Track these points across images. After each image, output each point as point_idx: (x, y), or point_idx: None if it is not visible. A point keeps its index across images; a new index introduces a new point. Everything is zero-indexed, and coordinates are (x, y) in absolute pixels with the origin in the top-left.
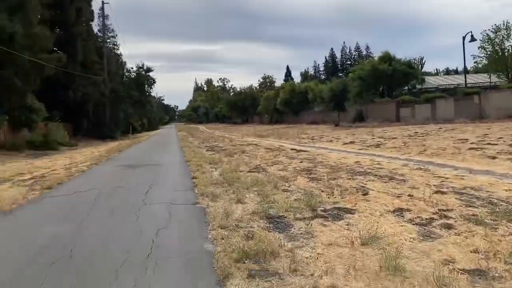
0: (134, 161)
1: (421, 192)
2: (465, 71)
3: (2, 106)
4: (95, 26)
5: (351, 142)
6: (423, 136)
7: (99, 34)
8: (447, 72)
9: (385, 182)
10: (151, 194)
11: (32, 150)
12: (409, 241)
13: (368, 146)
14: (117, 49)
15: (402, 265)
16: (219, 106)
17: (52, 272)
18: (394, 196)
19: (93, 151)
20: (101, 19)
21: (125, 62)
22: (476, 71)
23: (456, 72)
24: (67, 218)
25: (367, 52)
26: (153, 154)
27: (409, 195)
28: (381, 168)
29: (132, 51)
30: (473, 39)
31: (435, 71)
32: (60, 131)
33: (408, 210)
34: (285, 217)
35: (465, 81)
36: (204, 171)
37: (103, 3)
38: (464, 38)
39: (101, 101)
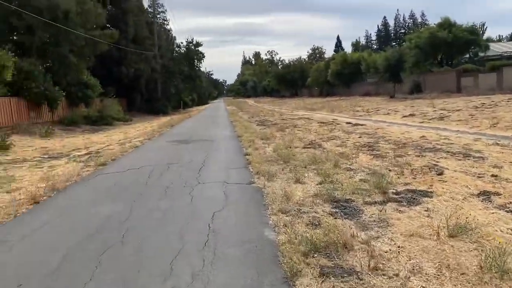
0: (186, 136)
1: (507, 172)
2: None
3: (59, 83)
4: (145, 1)
5: (411, 115)
6: (491, 108)
7: (149, 10)
8: None
9: (460, 160)
10: (204, 171)
11: (88, 125)
12: (509, 233)
13: (430, 119)
14: (167, 24)
15: (510, 266)
16: (267, 80)
17: (102, 261)
18: (474, 176)
19: (146, 126)
20: None
21: (174, 37)
22: None
23: None
24: (119, 197)
25: (423, 19)
26: (204, 128)
27: (492, 175)
28: (451, 143)
29: (181, 26)
30: None
31: (498, 38)
32: (115, 106)
33: (497, 193)
34: (353, 201)
35: None
36: (256, 147)
37: None
38: None
39: (152, 77)
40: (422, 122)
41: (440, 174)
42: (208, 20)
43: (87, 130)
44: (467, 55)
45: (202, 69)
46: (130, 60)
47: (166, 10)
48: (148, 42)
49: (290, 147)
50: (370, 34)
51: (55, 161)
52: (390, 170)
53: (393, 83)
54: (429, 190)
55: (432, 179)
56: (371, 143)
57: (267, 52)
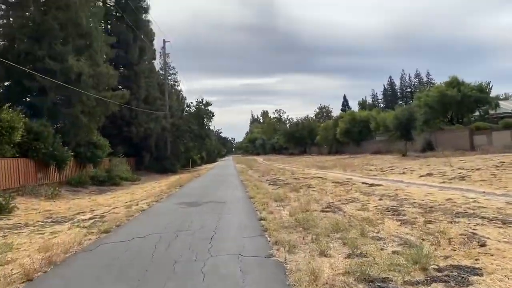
0: (195, 198)
1: None
2: None
3: (69, 143)
4: (157, 64)
5: (429, 174)
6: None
7: (160, 72)
8: None
9: (500, 228)
10: (216, 240)
11: (95, 186)
12: None
13: (450, 179)
14: (178, 85)
15: None
16: (275, 138)
17: None
18: None
19: (154, 186)
20: (162, 57)
21: (185, 97)
22: None
23: None
24: (122, 276)
25: (428, 78)
26: (214, 189)
27: None
28: (482, 207)
29: (191, 86)
30: None
31: (504, 96)
32: (123, 166)
33: None
34: (391, 280)
35: None
36: (271, 210)
37: (164, 41)
38: None
39: (162, 136)
40: (443, 182)
41: (483, 245)
42: (217, 81)
43: (93, 191)
44: (477, 113)
45: (211, 127)
46: (141, 119)
47: (177, 72)
48: (159, 102)
49: (308, 210)
50: (377, 93)
51: (58, 226)
52: (423, 240)
53: (404, 141)
54: (476, 265)
55: (476, 251)
56: (395, 206)
57: (275, 110)
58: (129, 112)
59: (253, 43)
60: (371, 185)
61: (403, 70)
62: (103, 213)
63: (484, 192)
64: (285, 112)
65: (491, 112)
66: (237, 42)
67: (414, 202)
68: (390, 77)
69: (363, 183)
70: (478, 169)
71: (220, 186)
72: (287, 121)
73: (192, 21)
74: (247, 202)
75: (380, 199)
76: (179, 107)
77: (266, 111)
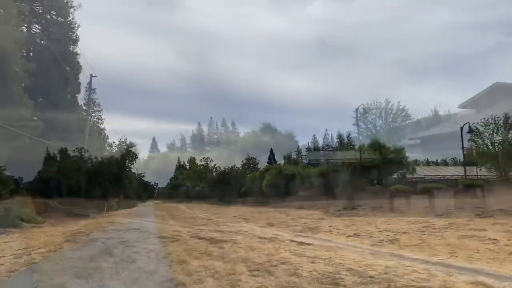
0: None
1: None
2: (464, 163)
3: None
4: (81, 99)
5: (356, 235)
6: (437, 232)
7: (84, 107)
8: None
9: None
10: None
11: None
12: None
13: (379, 242)
14: (101, 123)
15: None
16: (201, 186)
17: None
18: None
19: (55, 233)
20: (87, 93)
21: (107, 136)
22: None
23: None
24: None
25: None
26: (121, 247)
27: None
28: (426, 279)
29: (118, 127)
30: (471, 130)
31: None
32: (26, 206)
33: None
34: None
35: (465, 172)
36: (189, 272)
37: (91, 76)
38: (462, 128)
39: (78, 175)
40: (373, 244)
41: None
42: (146, 124)
43: None
44: (396, 176)
45: (134, 170)
46: (55, 156)
47: (102, 110)
48: (79, 139)
49: (234, 273)
50: (301, 150)
51: None
52: None
53: (328, 198)
54: None
55: None
56: (331, 273)
57: (202, 158)
58: (42, 146)
59: (185, 91)
60: (300, 243)
61: (326, 130)
62: None
63: (418, 259)
64: (213, 161)
65: (408, 176)
66: (168, 88)
67: (352, 269)
68: (314, 135)
69: (291, 240)
70: (404, 233)
71: (130, 241)
72: (214, 170)
73: (128, 61)
74: (162, 261)
75: (313, 262)
76: (100, 145)
77: (193, 158)
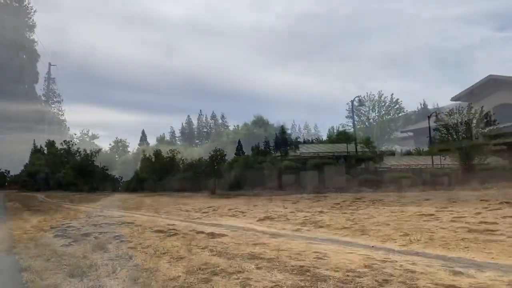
0: None
1: None
2: (356, 140)
3: None
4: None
5: (268, 218)
6: (355, 209)
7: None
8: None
9: None
10: None
11: None
12: None
13: (300, 224)
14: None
15: None
16: (62, 172)
17: None
18: None
19: None
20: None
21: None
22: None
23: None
24: None
25: (223, 120)
26: None
27: None
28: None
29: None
30: (361, 104)
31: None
32: None
33: None
34: None
35: (356, 148)
36: None
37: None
38: (352, 102)
39: None
40: (298, 229)
41: None
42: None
43: None
44: (278, 153)
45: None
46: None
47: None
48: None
49: None
50: (174, 132)
51: None
52: None
53: (214, 178)
54: None
55: None
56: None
57: (64, 141)
58: None
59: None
60: (211, 235)
61: (200, 111)
62: None
63: (373, 246)
64: (75, 144)
65: (291, 153)
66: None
67: (292, 267)
68: (188, 116)
69: (197, 232)
70: (321, 212)
71: None
72: (77, 154)
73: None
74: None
75: (258, 267)
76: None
77: (53, 141)
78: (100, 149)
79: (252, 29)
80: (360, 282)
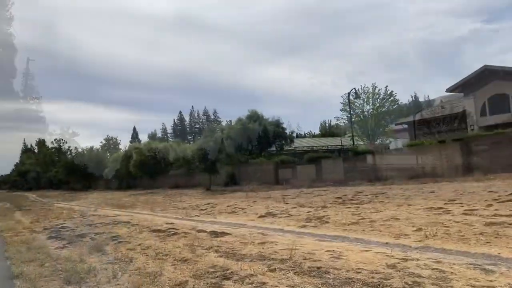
0: None
1: None
2: (352, 134)
3: None
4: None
5: (270, 214)
6: (359, 203)
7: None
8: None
9: None
10: None
11: None
12: None
13: (305, 220)
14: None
15: None
16: (54, 171)
17: None
18: None
19: None
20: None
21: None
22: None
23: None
24: None
25: (215, 116)
26: None
27: None
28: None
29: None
30: (357, 96)
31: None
32: None
33: None
34: None
35: (353, 141)
36: None
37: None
38: (349, 94)
39: None
40: (303, 226)
41: None
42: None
43: None
44: (274, 148)
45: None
46: None
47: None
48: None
49: None
50: (166, 128)
51: None
52: None
53: (208, 174)
54: None
55: None
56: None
57: (54, 140)
58: None
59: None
60: (213, 233)
61: (192, 107)
62: None
63: (387, 243)
64: (66, 142)
65: (287, 147)
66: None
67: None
68: (180, 112)
69: (198, 230)
70: (324, 207)
71: None
72: (69, 152)
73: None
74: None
75: (271, 269)
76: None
77: (43, 140)
78: (91, 147)
79: (243, 24)
80: (390, 286)
